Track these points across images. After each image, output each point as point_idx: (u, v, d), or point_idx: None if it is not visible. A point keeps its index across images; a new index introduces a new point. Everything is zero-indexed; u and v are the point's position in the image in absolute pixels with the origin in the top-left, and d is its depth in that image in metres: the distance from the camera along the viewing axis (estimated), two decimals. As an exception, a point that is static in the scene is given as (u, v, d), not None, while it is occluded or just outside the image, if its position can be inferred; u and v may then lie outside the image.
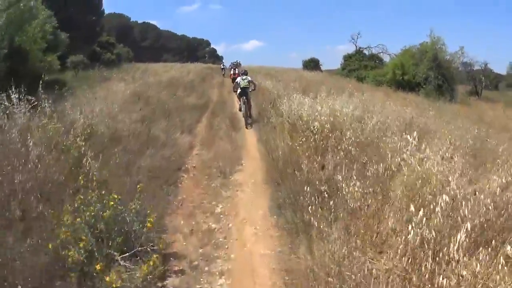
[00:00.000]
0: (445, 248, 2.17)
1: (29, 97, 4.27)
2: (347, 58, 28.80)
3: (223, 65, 26.91)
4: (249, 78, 8.49)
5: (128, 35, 44.99)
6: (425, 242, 2.27)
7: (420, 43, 24.07)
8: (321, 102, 6.09)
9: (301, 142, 4.56)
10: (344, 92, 8.94)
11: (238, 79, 8.62)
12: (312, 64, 30.87)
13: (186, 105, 9.33)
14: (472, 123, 8.69)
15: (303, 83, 12.91)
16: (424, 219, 2.31)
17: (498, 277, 1.98)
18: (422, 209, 2.38)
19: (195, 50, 54.96)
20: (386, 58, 29.37)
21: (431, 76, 21.79)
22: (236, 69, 16.94)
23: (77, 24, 21.66)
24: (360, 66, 27.49)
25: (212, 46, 57.93)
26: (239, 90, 8.36)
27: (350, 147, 4.06)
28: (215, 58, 55.16)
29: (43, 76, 5.16)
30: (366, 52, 30.18)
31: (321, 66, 32.69)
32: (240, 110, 8.62)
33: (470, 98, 23.10)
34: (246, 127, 7.72)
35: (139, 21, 49.51)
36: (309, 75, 19.26)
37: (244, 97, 8.10)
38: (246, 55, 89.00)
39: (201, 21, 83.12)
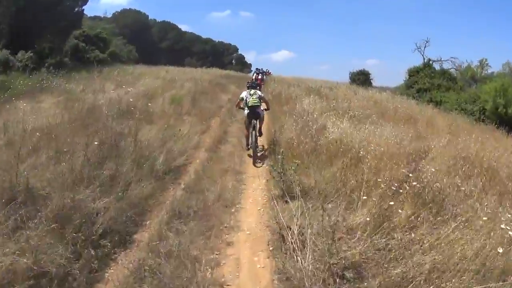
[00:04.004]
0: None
1: None
2: (413, 72, 20.77)
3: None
4: (259, 93, 6.13)
5: (145, 34, 39.74)
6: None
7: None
8: None
9: None
10: None
11: (244, 94, 6.14)
12: (362, 78, 23.17)
13: None
14: None
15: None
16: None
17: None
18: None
19: (220, 55, 48.95)
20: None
21: (538, 111, 14.48)
22: (259, 76, 14.54)
23: (44, 10, 15.83)
24: (432, 85, 19.42)
25: (240, 52, 51.69)
26: (246, 111, 5.93)
27: None
28: (243, 65, 48.94)
29: None
30: (436, 66, 22.13)
31: (372, 81, 25.03)
32: (248, 146, 5.98)
33: None
34: (254, 164, 5.47)
35: (158, 20, 44.27)
36: (383, 97, 11.73)
37: (254, 120, 5.78)
38: (276, 65, 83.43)
39: (231, 28, 77.98)
